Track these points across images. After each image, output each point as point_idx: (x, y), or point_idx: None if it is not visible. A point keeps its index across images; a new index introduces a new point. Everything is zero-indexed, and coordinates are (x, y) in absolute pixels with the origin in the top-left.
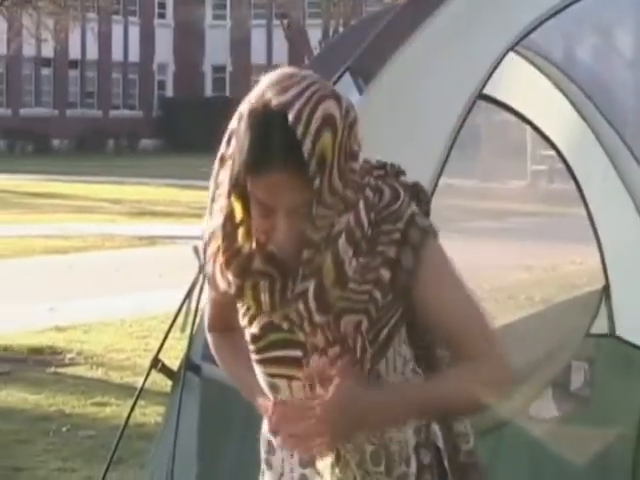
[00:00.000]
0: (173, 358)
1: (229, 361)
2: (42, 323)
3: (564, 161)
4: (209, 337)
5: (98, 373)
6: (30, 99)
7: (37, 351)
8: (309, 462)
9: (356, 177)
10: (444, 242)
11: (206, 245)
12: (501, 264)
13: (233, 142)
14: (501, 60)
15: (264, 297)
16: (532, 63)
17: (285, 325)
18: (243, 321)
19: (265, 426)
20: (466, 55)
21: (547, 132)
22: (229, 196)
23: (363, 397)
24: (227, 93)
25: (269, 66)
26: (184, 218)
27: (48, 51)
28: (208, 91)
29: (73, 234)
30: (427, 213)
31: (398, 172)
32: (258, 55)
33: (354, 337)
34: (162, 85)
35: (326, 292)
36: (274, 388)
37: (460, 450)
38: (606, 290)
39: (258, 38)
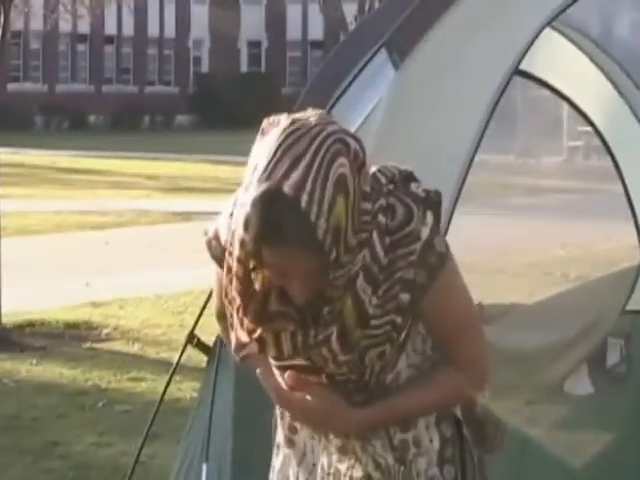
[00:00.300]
0: (208, 334)
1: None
2: (78, 298)
3: (601, 137)
4: (218, 325)
5: (134, 348)
6: (66, 75)
7: (73, 326)
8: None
9: (367, 216)
10: (480, 218)
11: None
12: (537, 240)
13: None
14: (538, 36)
15: (286, 344)
16: (569, 39)
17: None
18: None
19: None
20: (503, 31)
21: (584, 108)
22: (239, 261)
23: (343, 411)
24: (262, 69)
25: (304, 42)
26: (219, 194)
27: (84, 27)
28: (243, 67)
29: (109, 210)
30: (438, 218)
31: (407, 179)
32: (294, 31)
33: (376, 362)
34: (197, 61)
35: (349, 334)
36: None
37: (475, 405)
38: None
39: (294, 14)
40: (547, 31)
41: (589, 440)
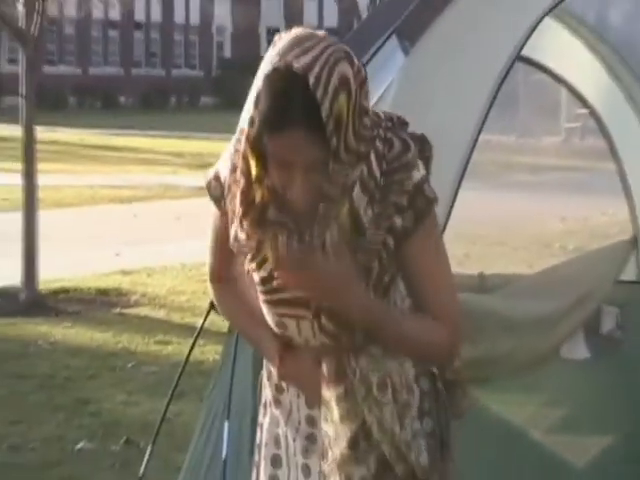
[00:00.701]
0: None
1: (233, 312)
2: (109, 267)
3: (597, 119)
4: (211, 289)
5: (160, 314)
6: (98, 59)
7: (104, 293)
8: (315, 403)
9: (367, 131)
10: (484, 194)
11: (228, 186)
12: (537, 215)
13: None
14: (538, 24)
15: (282, 250)
16: (567, 26)
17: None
18: (251, 265)
19: (269, 369)
20: (506, 19)
21: (581, 91)
22: (245, 155)
23: (356, 284)
24: None
25: (320, 29)
26: None
27: (115, 14)
28: (263, 52)
29: (138, 185)
30: (429, 160)
31: (403, 123)
32: (310, 18)
33: (365, 281)
34: (220, 46)
35: (342, 240)
36: (282, 327)
37: (446, 369)
38: (635, 240)
39: (310, 2)
40: (547, 19)
41: (584, 405)
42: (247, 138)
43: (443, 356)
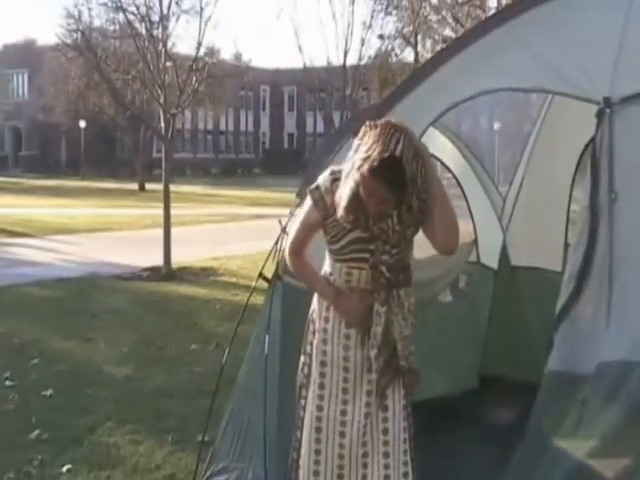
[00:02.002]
0: (269, 272)
1: (306, 272)
2: (207, 256)
3: (456, 180)
4: (291, 258)
5: (233, 279)
6: (201, 149)
7: (205, 269)
8: (352, 326)
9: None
10: None
11: (326, 191)
12: None
13: (361, 150)
14: (425, 131)
15: (370, 220)
16: (440, 131)
17: (376, 232)
18: (333, 239)
19: (320, 307)
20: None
21: (448, 165)
22: (357, 187)
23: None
24: (294, 147)
25: (315, 133)
26: (275, 206)
27: (210, 125)
28: (285, 145)
29: (222, 213)
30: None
31: None
32: (309, 127)
33: (409, 238)
34: (264, 141)
35: (402, 215)
36: (349, 275)
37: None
38: (476, 241)
39: (310, 117)
40: (430, 128)
41: (448, 329)
42: (363, 176)
43: (454, 244)
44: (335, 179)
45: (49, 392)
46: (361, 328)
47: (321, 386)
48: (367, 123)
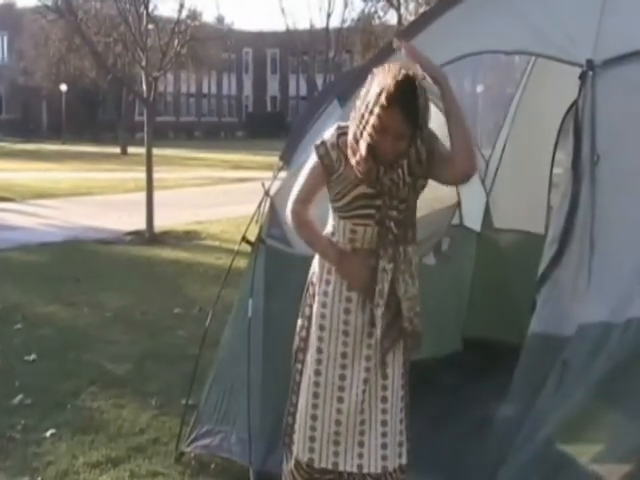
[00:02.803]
0: (252, 236)
1: (308, 231)
2: (190, 219)
3: None
4: (293, 216)
5: (216, 243)
6: (184, 112)
7: (188, 233)
8: (353, 288)
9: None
10: None
11: (332, 146)
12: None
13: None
14: None
15: (381, 170)
16: None
17: (387, 184)
18: (337, 195)
19: (322, 268)
20: None
21: (433, 128)
22: (374, 132)
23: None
24: (277, 110)
25: (298, 97)
26: (258, 170)
27: (192, 89)
28: (268, 109)
29: (205, 177)
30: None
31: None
32: (292, 90)
33: (418, 193)
34: (247, 105)
35: (412, 166)
36: (354, 233)
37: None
38: (459, 203)
39: (293, 80)
40: None
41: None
42: (383, 106)
43: (475, 163)
44: (341, 134)
45: (32, 357)
46: (364, 291)
47: (319, 350)
48: (372, 70)
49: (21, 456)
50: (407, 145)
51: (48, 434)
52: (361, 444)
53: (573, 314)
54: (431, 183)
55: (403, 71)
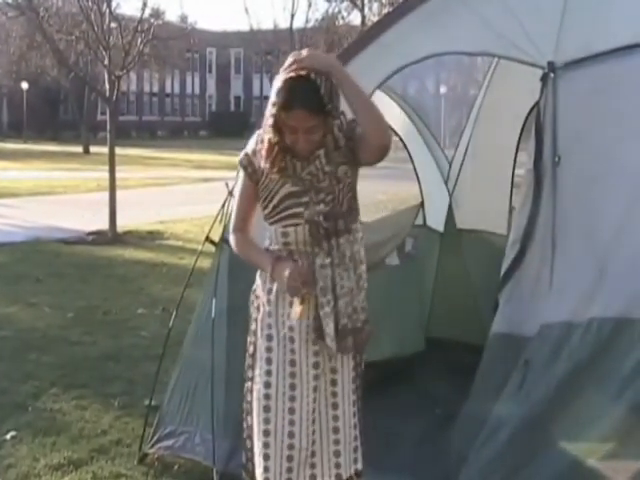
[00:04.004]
0: (215, 236)
1: (247, 249)
2: (153, 219)
3: (403, 142)
4: (233, 236)
5: (179, 243)
6: (147, 111)
7: (151, 233)
8: (292, 294)
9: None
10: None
11: (253, 153)
12: (372, 192)
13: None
14: (372, 94)
15: (298, 165)
16: (387, 94)
17: (307, 179)
18: (265, 201)
19: (264, 280)
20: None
21: (396, 129)
22: (273, 126)
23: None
24: (240, 110)
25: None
26: (220, 169)
27: (155, 88)
28: (232, 108)
29: (167, 177)
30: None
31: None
32: (256, 90)
33: (344, 181)
34: (210, 104)
35: (329, 154)
36: (286, 235)
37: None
38: (422, 204)
39: (257, 80)
40: (377, 91)
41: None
42: (273, 117)
43: (387, 134)
44: (260, 141)
45: None
46: (299, 292)
47: (268, 361)
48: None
49: None
50: (321, 135)
51: (8, 436)
52: (313, 454)
53: (535, 314)
54: None
55: (292, 73)
